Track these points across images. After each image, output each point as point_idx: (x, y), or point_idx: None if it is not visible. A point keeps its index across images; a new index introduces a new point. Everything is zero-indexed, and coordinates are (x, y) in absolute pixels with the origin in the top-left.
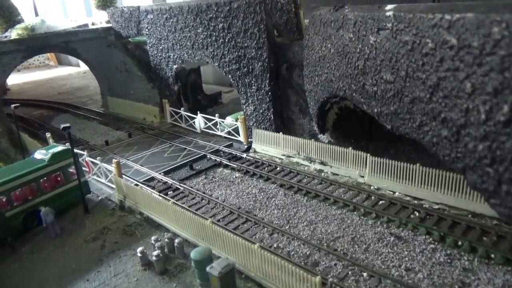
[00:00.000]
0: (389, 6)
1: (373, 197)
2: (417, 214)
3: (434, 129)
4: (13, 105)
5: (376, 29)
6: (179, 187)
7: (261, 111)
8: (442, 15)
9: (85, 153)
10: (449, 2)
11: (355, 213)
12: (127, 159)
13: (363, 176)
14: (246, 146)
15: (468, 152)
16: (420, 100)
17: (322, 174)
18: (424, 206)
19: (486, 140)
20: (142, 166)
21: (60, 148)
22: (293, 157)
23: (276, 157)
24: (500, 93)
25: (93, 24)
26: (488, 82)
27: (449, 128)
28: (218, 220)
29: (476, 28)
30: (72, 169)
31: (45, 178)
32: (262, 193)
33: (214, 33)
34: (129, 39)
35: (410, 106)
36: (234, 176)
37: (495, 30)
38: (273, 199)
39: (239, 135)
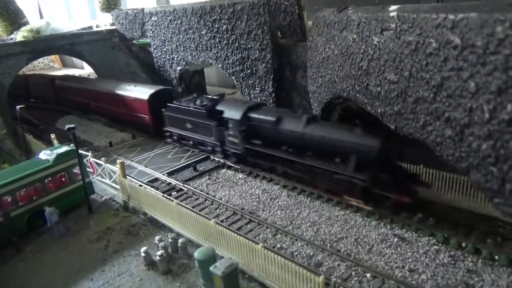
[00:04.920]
0: (392, 7)
1: None
2: (420, 215)
3: (438, 129)
4: (18, 106)
5: (379, 30)
6: (182, 187)
7: None
8: (446, 15)
9: (89, 154)
10: (452, 2)
11: (358, 214)
12: (131, 160)
13: None
14: None
15: (472, 151)
16: (424, 100)
17: None
18: None
19: (490, 139)
20: (146, 167)
21: (64, 148)
22: None
23: None
24: (504, 92)
25: (97, 26)
26: (492, 81)
27: (453, 128)
28: (222, 221)
29: (479, 28)
30: (76, 170)
31: (49, 179)
32: (265, 194)
33: (218, 35)
34: (133, 41)
35: (413, 106)
36: (237, 177)
37: (498, 29)
38: (277, 200)
39: None
